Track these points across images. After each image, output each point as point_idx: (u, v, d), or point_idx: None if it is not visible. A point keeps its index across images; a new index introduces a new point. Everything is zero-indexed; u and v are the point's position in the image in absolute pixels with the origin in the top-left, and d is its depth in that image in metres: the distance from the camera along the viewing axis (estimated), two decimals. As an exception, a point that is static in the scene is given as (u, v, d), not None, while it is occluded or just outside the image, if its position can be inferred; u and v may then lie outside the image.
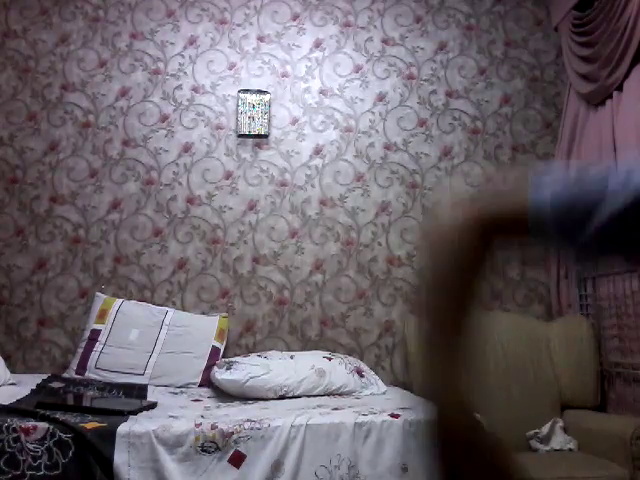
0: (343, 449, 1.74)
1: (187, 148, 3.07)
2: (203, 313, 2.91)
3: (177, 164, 3.05)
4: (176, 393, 2.42)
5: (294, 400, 2.26)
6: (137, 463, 1.64)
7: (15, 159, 2.98)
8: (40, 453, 1.61)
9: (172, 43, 3.17)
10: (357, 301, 3.01)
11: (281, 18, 3.24)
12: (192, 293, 2.94)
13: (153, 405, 2.05)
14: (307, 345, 2.93)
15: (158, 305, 2.86)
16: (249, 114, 3.07)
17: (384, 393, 2.46)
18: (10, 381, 2.35)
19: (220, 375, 2.31)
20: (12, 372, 2.46)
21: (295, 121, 3.15)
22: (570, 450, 2.45)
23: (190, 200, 3.03)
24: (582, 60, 2.93)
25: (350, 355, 2.81)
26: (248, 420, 1.77)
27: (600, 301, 2.77)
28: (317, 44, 3.24)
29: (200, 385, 2.57)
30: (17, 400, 1.98)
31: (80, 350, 2.62)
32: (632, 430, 2.15)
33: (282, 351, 2.75)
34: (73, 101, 3.06)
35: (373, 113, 3.19)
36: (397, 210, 3.11)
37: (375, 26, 3.28)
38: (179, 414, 1.90)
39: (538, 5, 3.37)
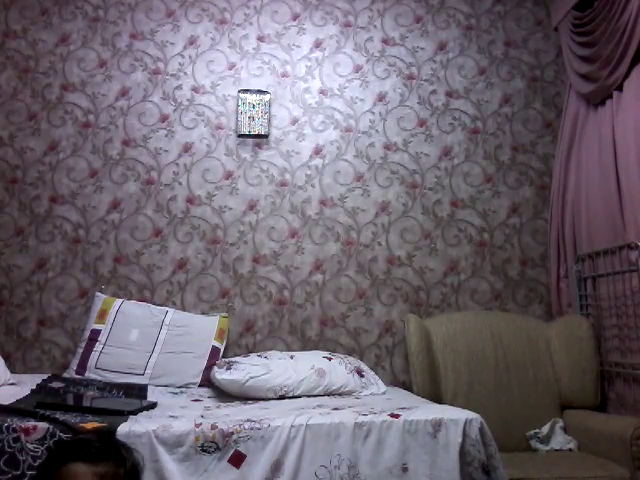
0: (343, 449, 1.73)
1: (187, 148, 3.07)
2: (203, 313, 2.91)
3: (177, 164, 3.05)
4: (176, 393, 2.42)
5: (294, 400, 2.26)
6: (137, 463, 1.64)
7: (15, 159, 2.98)
8: (40, 453, 1.61)
9: (172, 43, 3.17)
10: (357, 301, 3.01)
11: (281, 18, 3.24)
12: (192, 293, 2.94)
13: (153, 405, 2.05)
14: (307, 345, 2.93)
15: (158, 305, 2.86)
16: (249, 114, 3.07)
17: (384, 393, 2.46)
18: (10, 381, 2.35)
19: (220, 375, 2.31)
20: (12, 372, 2.46)
21: (295, 121, 3.15)
22: (570, 450, 2.45)
23: (190, 200, 3.03)
24: (582, 60, 2.93)
25: (350, 355, 2.81)
26: (248, 420, 1.77)
27: (600, 301, 2.77)
28: (317, 44, 3.24)
29: (200, 385, 2.57)
30: (17, 400, 1.98)
31: (80, 350, 2.62)
32: (632, 430, 2.15)
33: (282, 351, 2.75)
34: (73, 101, 3.06)
35: (373, 113, 3.19)
36: (397, 210, 3.11)
37: (375, 26, 3.28)
38: (179, 414, 1.89)
39: (538, 5, 3.37)
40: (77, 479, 1.02)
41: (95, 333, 2.64)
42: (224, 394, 2.34)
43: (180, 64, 3.15)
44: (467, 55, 3.29)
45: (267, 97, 3.10)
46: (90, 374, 2.52)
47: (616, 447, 2.20)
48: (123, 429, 1.67)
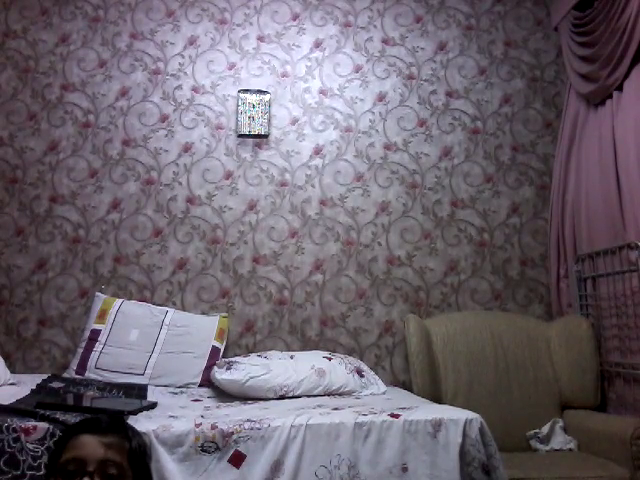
0: (343, 449, 1.73)
1: (187, 148, 3.07)
2: (203, 313, 2.91)
3: (177, 164, 3.05)
4: (176, 393, 2.42)
5: (294, 400, 2.26)
6: (137, 463, 1.64)
7: (15, 159, 2.98)
8: (40, 453, 1.61)
9: (172, 43, 3.17)
10: (357, 301, 3.01)
11: (281, 18, 3.24)
12: (192, 293, 2.94)
13: (153, 405, 2.05)
14: (307, 345, 2.93)
15: (158, 305, 2.86)
16: (249, 114, 3.07)
17: (384, 393, 2.46)
18: (10, 381, 2.35)
19: (220, 375, 2.31)
20: (12, 372, 2.46)
21: (295, 121, 3.15)
22: (570, 450, 2.45)
23: (190, 200, 3.03)
24: (582, 60, 2.93)
25: (350, 355, 2.81)
26: (248, 420, 1.77)
27: (600, 301, 2.77)
28: (317, 44, 3.24)
29: (200, 385, 2.56)
30: (17, 400, 1.98)
31: (80, 350, 2.62)
32: (632, 430, 2.15)
33: (282, 351, 2.75)
34: (73, 101, 3.06)
35: (373, 113, 3.19)
36: (397, 210, 3.11)
37: (375, 26, 3.28)
38: (179, 414, 1.89)
39: (538, 5, 3.37)
40: (85, 446, 1.14)
41: (95, 333, 2.64)
42: (224, 394, 2.34)
43: (180, 64, 3.15)
44: (467, 55, 3.29)
45: (267, 97, 3.10)
46: (90, 374, 2.52)
47: (616, 447, 2.20)
48: (123, 429, 1.67)
